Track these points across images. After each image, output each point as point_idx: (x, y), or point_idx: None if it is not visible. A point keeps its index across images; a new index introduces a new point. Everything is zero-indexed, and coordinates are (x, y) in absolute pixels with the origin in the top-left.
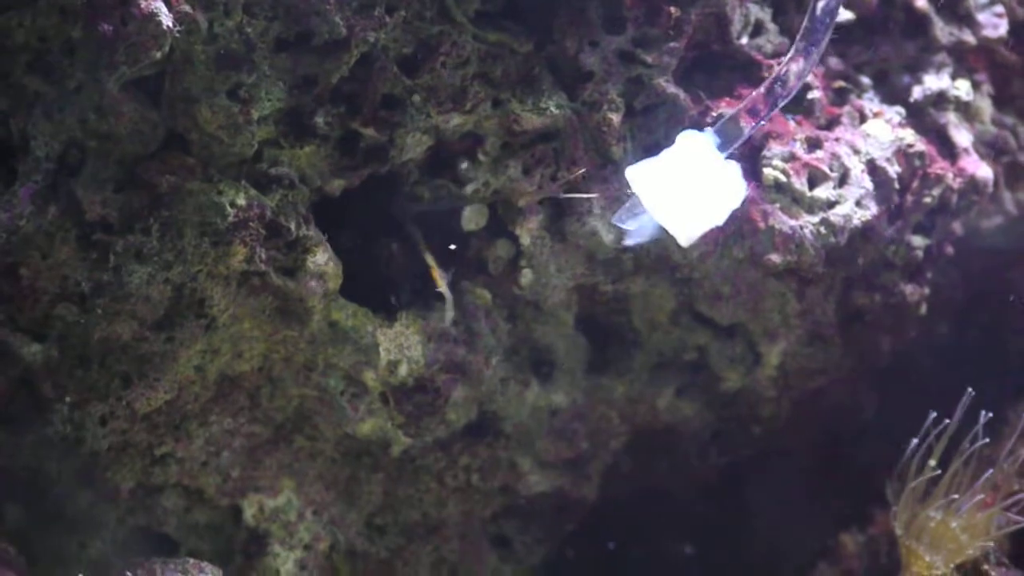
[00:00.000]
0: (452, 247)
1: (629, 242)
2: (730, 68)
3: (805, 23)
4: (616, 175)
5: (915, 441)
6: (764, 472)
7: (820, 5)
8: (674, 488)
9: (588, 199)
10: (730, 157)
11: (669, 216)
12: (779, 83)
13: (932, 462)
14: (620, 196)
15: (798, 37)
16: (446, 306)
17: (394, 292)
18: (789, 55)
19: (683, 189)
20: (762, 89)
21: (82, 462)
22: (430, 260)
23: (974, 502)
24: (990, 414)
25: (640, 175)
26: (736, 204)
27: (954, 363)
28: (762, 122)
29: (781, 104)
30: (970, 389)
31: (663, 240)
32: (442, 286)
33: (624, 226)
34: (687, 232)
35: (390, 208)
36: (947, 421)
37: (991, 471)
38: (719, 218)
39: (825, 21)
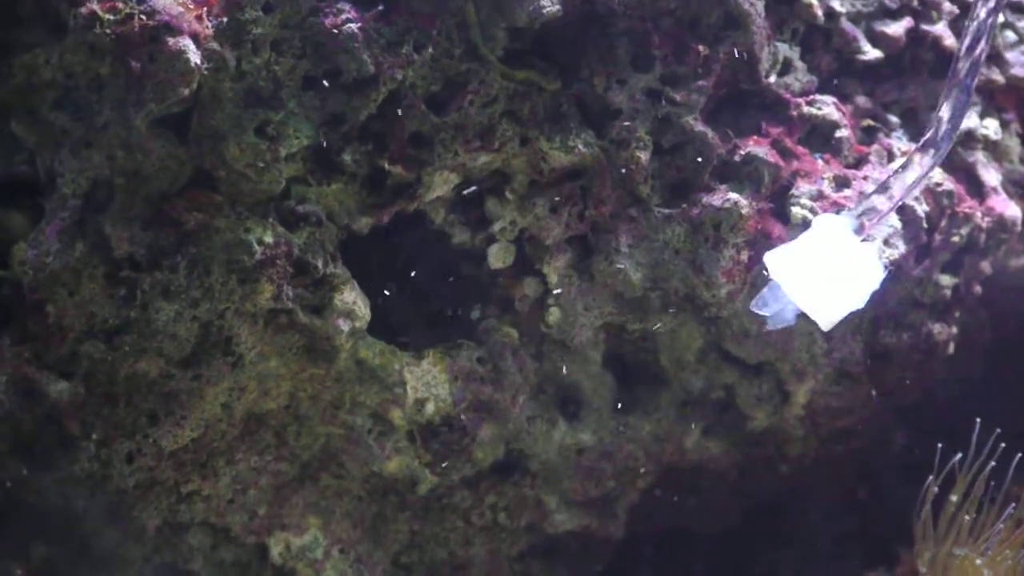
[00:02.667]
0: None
1: (769, 327)
2: (758, 107)
3: (945, 123)
4: (643, 213)
5: (931, 478)
6: (791, 511)
7: (952, 105)
8: (701, 527)
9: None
10: (865, 239)
11: (809, 301)
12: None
13: (953, 497)
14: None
15: (932, 133)
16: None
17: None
18: (925, 152)
19: (821, 273)
20: (907, 172)
21: (109, 500)
22: None
23: (998, 539)
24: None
25: (779, 260)
26: (875, 286)
27: (982, 402)
28: (897, 204)
29: (917, 186)
30: (997, 430)
31: (691, 279)
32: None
33: (763, 312)
34: (828, 317)
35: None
36: (959, 455)
37: (1013, 506)
38: (860, 302)
39: (957, 122)
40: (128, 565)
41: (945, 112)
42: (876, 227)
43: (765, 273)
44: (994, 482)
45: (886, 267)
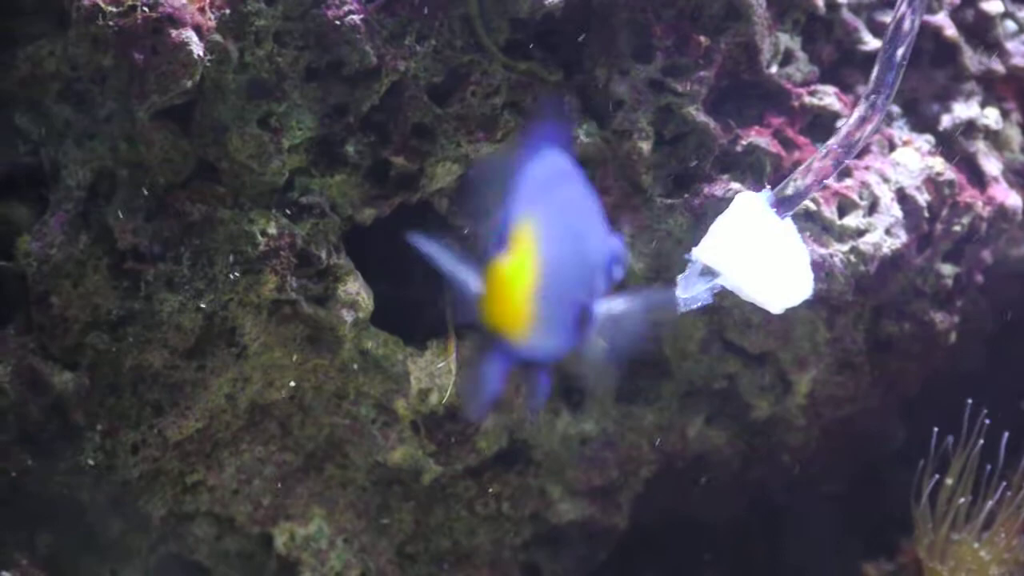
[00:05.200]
0: None
1: (683, 309)
2: (760, 97)
3: (874, 76)
4: (646, 204)
5: (921, 461)
6: (794, 501)
7: (888, 59)
8: (704, 517)
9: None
10: (785, 216)
11: (756, 289)
12: (845, 140)
13: (949, 481)
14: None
15: (866, 91)
16: (452, 380)
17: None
18: (857, 111)
19: (757, 259)
20: (834, 144)
21: (114, 490)
22: (450, 327)
23: (997, 524)
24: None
25: (708, 251)
26: (807, 264)
27: (983, 391)
28: (827, 181)
29: (845, 161)
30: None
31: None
32: (451, 357)
33: (683, 295)
34: (780, 304)
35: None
36: (950, 437)
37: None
38: (808, 287)
39: (893, 76)
40: (133, 555)
41: (869, 92)
42: (795, 206)
43: (691, 264)
44: (990, 465)
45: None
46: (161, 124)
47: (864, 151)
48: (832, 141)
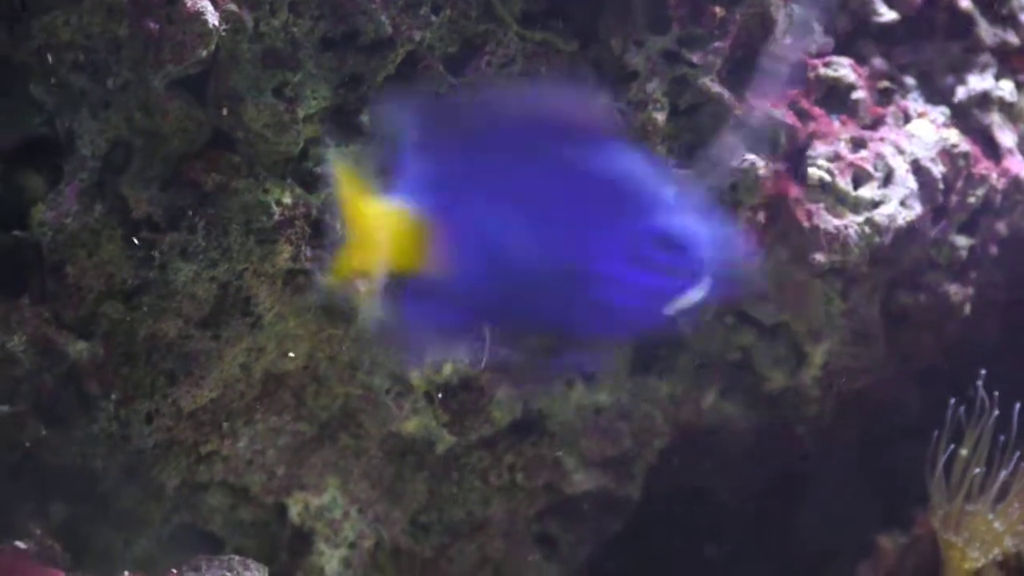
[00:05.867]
0: None
1: None
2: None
3: None
4: None
5: (935, 433)
6: (808, 473)
7: None
8: (718, 488)
9: None
10: None
11: None
12: None
13: (963, 452)
14: None
15: None
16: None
17: None
18: None
19: None
20: None
21: (128, 459)
22: None
23: (1011, 495)
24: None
25: None
26: None
27: (997, 362)
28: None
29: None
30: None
31: None
32: None
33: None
34: None
35: None
36: (962, 407)
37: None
38: None
39: None
40: (147, 525)
41: None
42: None
43: None
44: (1003, 436)
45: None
46: (176, 94)
47: (879, 123)
48: None
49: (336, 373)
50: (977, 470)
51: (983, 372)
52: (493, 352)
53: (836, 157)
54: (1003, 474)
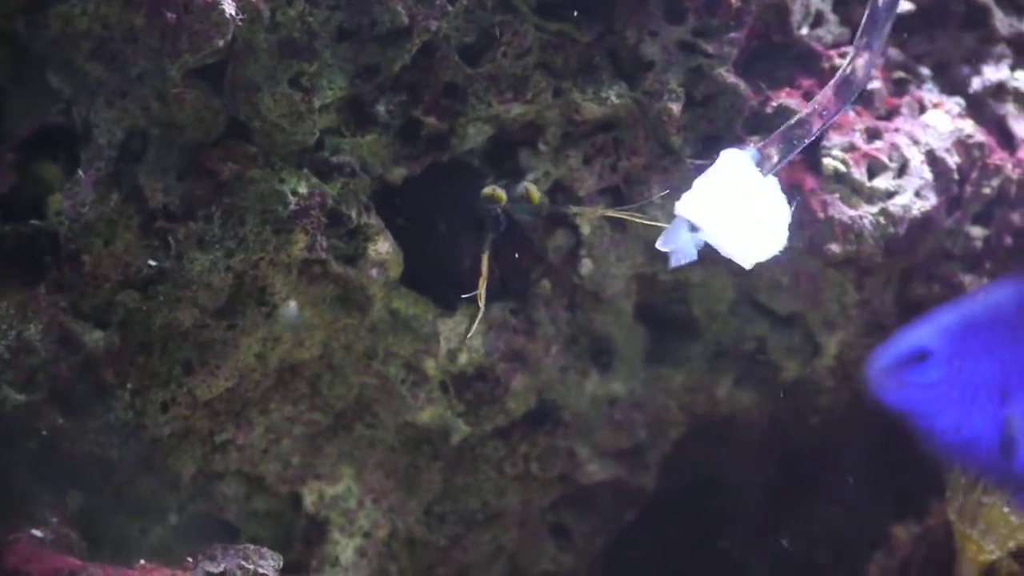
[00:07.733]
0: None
1: (672, 264)
2: (790, 59)
3: (866, 17)
4: (676, 165)
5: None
6: (822, 463)
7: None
8: (732, 478)
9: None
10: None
11: (728, 242)
12: (846, 82)
13: None
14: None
15: (859, 32)
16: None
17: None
18: (852, 52)
19: (733, 210)
20: (829, 90)
21: (144, 448)
22: (484, 267)
23: None
24: None
25: (691, 204)
26: (786, 220)
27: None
28: (828, 125)
29: (849, 102)
30: None
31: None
32: (481, 298)
33: (666, 249)
34: (749, 257)
35: (459, 199)
36: None
37: None
38: (780, 242)
39: (886, 13)
40: (162, 514)
41: (859, 37)
42: (780, 164)
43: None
44: None
45: (791, 201)
46: (193, 83)
47: (894, 113)
48: (820, 96)
49: (351, 363)
50: None
51: None
52: None
53: (851, 148)
54: None
